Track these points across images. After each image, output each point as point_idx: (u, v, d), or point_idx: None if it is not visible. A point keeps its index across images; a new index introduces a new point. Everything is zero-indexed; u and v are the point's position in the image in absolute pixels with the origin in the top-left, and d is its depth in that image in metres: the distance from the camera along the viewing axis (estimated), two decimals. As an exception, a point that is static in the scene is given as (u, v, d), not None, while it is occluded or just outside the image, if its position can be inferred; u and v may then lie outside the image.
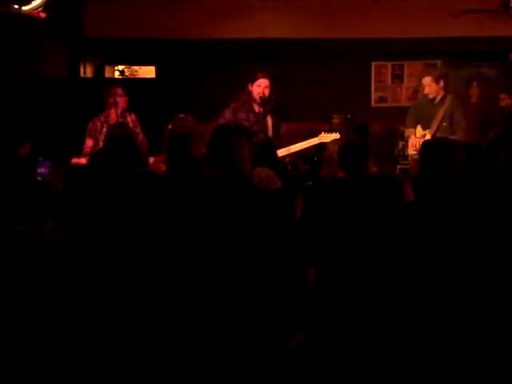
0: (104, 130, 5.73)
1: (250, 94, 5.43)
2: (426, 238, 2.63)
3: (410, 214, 2.77)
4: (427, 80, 5.93)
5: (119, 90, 5.93)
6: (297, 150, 5.68)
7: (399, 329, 2.47)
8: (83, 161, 5.13)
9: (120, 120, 5.82)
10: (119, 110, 5.85)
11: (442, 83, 5.89)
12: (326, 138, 5.82)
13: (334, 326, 2.40)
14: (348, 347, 2.42)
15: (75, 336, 2.30)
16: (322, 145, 6.15)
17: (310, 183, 4.79)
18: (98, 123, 5.84)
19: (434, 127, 5.87)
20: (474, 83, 7.73)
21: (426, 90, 5.96)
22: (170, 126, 4.18)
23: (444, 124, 5.86)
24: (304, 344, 1.83)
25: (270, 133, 5.46)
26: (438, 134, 5.83)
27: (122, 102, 5.88)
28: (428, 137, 5.86)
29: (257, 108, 5.47)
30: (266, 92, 5.41)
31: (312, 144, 5.79)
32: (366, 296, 2.72)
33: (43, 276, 2.70)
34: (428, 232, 2.63)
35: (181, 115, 4.26)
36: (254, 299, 1.84)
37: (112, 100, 5.78)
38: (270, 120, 5.50)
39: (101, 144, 5.45)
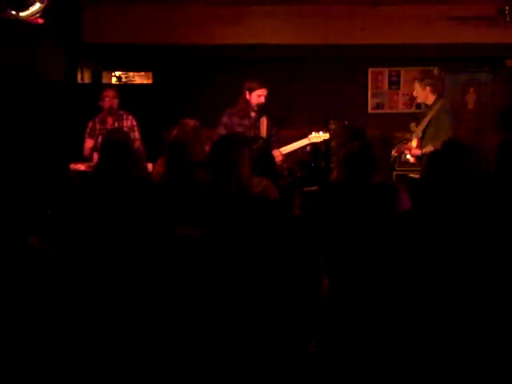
0: (98, 131, 5.90)
1: (247, 101, 5.56)
2: (431, 243, 2.64)
3: (415, 221, 2.78)
4: (415, 85, 6.11)
5: (109, 92, 6.02)
6: (288, 151, 5.77)
7: (398, 333, 2.47)
8: (82, 167, 5.14)
9: (115, 123, 5.95)
10: (112, 112, 5.96)
11: (428, 89, 5.95)
12: (316, 138, 5.88)
13: (337, 332, 2.40)
14: (353, 353, 2.42)
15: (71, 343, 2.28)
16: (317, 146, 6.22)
17: (316, 188, 4.81)
18: (92, 123, 6.05)
19: (419, 132, 5.93)
20: (471, 89, 7.75)
21: (414, 93, 6.16)
22: (174, 131, 4.21)
23: (431, 129, 5.88)
24: (316, 351, 1.83)
25: (264, 134, 5.61)
26: (424, 139, 5.88)
27: (108, 103, 5.96)
28: (414, 142, 5.95)
29: (253, 114, 5.60)
30: (264, 100, 5.56)
31: (302, 145, 5.89)
32: (366, 303, 2.72)
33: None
34: (433, 237, 2.64)
35: (184, 120, 4.29)
36: (262, 304, 1.84)
37: (103, 102, 5.93)
38: (264, 122, 5.62)
39: (98, 145, 5.51)
